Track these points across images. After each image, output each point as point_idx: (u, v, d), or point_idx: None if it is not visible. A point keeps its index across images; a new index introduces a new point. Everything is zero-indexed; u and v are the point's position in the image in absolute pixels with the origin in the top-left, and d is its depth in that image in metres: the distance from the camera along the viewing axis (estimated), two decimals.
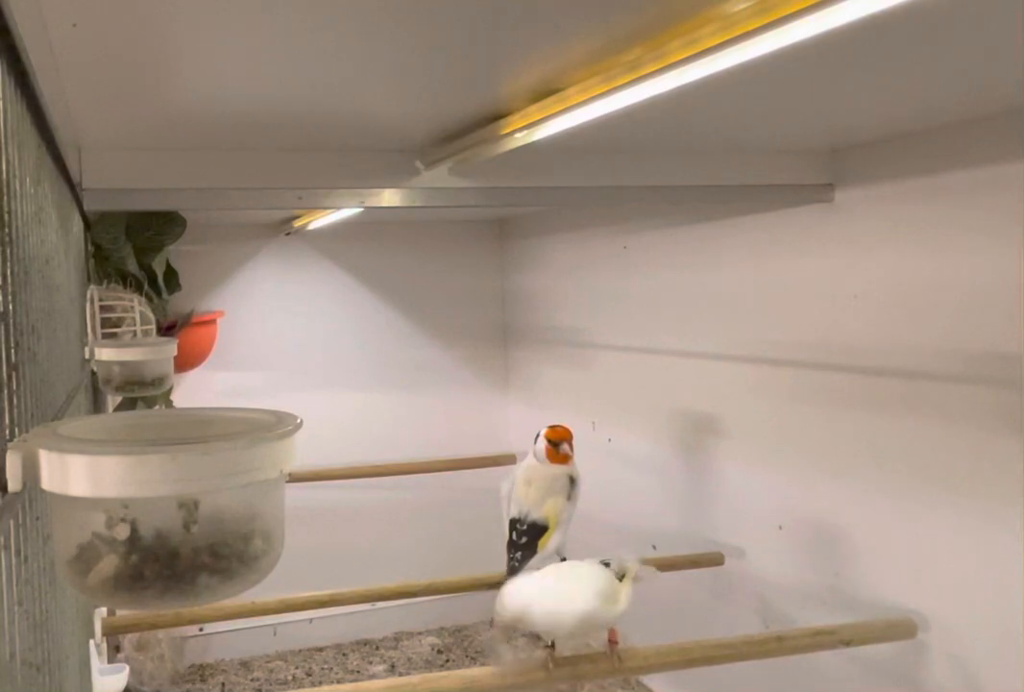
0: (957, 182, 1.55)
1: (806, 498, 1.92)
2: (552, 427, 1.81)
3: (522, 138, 1.34)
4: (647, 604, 2.27)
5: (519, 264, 3.19)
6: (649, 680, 2.50)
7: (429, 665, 2.94)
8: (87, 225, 2.00)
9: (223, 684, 2.88)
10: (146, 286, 2.35)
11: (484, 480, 3.17)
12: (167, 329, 2.64)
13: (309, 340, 3.09)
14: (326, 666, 2.98)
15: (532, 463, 1.80)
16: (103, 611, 1.63)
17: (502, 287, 3.29)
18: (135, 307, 1.90)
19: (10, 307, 0.65)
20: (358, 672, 2.93)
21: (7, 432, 0.61)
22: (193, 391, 2.87)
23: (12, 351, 0.65)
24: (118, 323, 1.90)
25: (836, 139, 1.72)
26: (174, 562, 0.53)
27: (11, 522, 0.60)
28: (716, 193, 1.81)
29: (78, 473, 0.51)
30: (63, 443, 0.52)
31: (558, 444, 1.77)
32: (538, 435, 1.81)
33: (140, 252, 2.32)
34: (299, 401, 2.95)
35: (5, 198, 0.65)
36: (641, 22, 0.91)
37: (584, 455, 1.93)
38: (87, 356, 1.58)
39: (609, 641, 1.49)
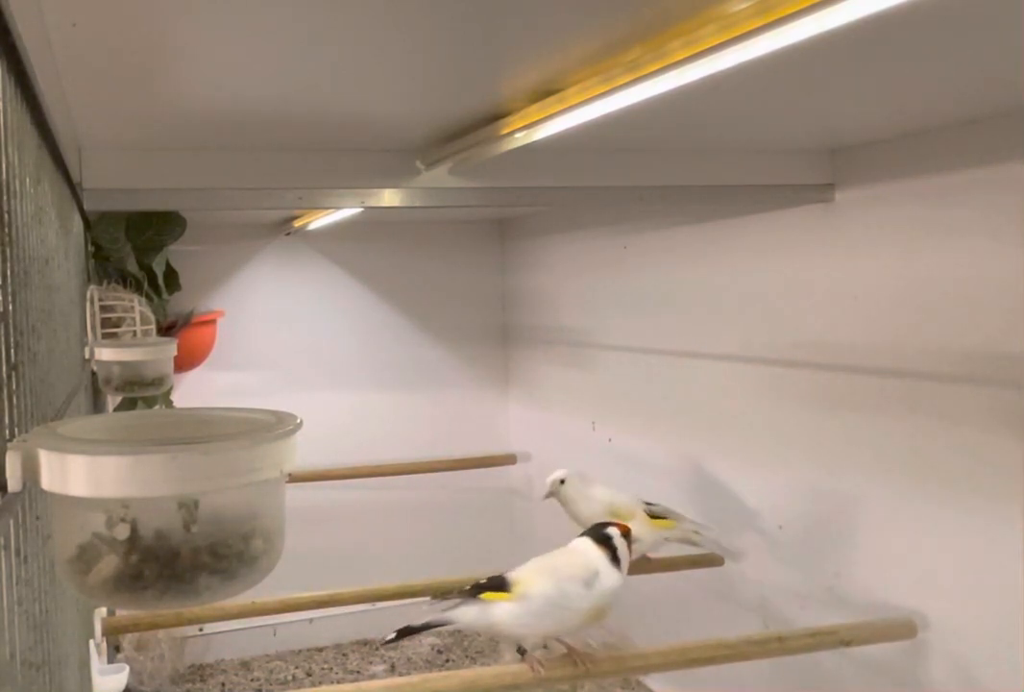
0: (957, 182, 1.55)
1: (806, 498, 1.92)
2: None
3: (522, 138, 1.34)
4: (647, 604, 2.26)
5: (519, 264, 3.19)
6: (649, 680, 2.50)
7: (429, 665, 2.94)
8: (87, 225, 2.00)
9: (223, 684, 2.88)
10: (146, 286, 2.35)
11: (484, 480, 3.18)
12: (167, 329, 2.64)
13: (309, 340, 3.09)
14: (326, 666, 2.98)
15: None
16: (103, 611, 1.62)
17: (502, 287, 3.29)
18: (135, 307, 1.91)
19: (10, 307, 0.65)
20: (358, 672, 2.93)
21: (7, 432, 0.61)
22: (193, 391, 2.87)
23: (12, 351, 0.65)
24: (118, 323, 1.90)
25: (836, 139, 1.72)
26: (174, 562, 0.53)
27: (11, 522, 0.60)
28: (716, 193, 1.81)
29: (78, 473, 0.51)
30: (63, 443, 0.52)
31: None
32: None
33: (140, 252, 2.32)
34: (299, 401, 2.94)
35: (5, 198, 0.65)
36: (641, 22, 0.91)
37: (584, 455, 1.93)
38: (87, 356, 1.58)
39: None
